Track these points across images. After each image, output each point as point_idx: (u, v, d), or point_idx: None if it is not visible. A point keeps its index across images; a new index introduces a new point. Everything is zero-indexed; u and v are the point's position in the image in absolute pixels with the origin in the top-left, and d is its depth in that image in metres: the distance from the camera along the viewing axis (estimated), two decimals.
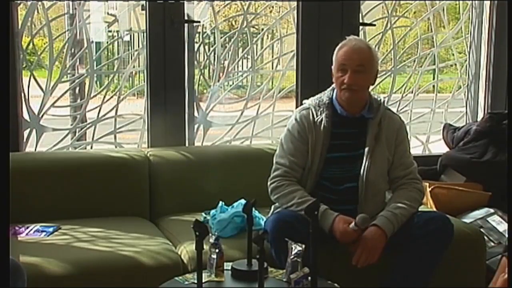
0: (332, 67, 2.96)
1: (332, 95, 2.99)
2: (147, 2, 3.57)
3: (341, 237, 2.77)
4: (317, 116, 2.95)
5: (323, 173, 2.93)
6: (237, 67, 4.34)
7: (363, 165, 2.91)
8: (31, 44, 3.61)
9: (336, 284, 2.48)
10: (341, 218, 2.78)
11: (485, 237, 3.34)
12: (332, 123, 2.94)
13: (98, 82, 4.20)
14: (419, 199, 2.96)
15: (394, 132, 2.99)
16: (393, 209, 2.84)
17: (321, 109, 2.96)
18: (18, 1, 3.47)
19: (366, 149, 2.92)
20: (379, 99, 3.02)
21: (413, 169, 3.01)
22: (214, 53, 3.96)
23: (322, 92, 3.04)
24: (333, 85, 3.01)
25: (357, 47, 2.90)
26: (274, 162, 3.00)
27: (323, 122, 2.93)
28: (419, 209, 2.96)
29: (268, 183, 2.96)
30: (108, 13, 4.05)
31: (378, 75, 3.09)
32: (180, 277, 2.50)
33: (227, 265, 2.50)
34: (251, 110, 4.03)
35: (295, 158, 2.94)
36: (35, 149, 3.58)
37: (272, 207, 3.02)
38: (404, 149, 3.01)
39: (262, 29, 4.32)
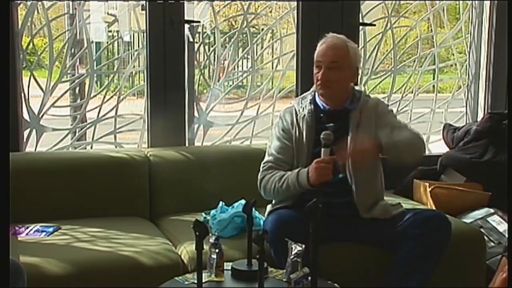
0: None
1: (315, 91, 3.01)
2: (147, 2, 3.57)
3: (318, 172, 2.73)
4: (300, 112, 2.97)
5: None
6: (237, 67, 4.35)
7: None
8: (31, 44, 3.61)
9: (336, 284, 2.48)
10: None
11: (485, 237, 3.34)
12: (316, 118, 2.95)
13: (98, 82, 4.21)
14: (419, 136, 2.89)
15: (372, 111, 2.96)
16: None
17: (304, 105, 2.98)
18: (18, 1, 3.47)
19: (349, 138, 2.89)
20: (361, 90, 3.03)
21: (406, 124, 2.96)
22: (214, 53, 3.96)
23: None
24: None
25: (332, 43, 2.93)
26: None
27: (305, 118, 2.94)
28: (417, 208, 2.94)
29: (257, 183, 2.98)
30: (108, 13, 4.05)
31: (378, 75, 3.09)
32: (180, 277, 2.50)
33: (227, 265, 2.49)
34: (251, 110, 4.03)
35: (280, 155, 2.96)
36: (35, 149, 3.58)
37: (267, 207, 3.01)
38: (388, 119, 2.94)
39: (262, 29, 4.32)
